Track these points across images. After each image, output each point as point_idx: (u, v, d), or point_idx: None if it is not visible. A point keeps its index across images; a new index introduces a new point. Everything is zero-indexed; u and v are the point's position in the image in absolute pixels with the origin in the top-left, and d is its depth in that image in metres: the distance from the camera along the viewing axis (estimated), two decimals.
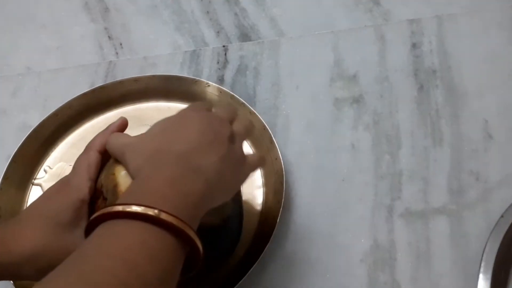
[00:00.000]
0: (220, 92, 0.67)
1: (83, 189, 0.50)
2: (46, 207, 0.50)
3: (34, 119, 0.70)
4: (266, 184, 0.63)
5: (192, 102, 0.68)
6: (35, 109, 0.71)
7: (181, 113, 0.49)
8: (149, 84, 0.69)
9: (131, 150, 0.47)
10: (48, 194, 0.51)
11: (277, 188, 0.61)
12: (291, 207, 0.62)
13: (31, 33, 0.78)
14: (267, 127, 0.63)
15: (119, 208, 0.38)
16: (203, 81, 0.68)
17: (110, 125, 0.54)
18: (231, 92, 0.66)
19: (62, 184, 0.51)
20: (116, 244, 0.37)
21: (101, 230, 0.39)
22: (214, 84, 0.68)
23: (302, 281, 0.59)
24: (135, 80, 0.69)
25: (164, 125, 0.48)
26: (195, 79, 0.68)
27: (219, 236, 0.52)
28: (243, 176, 0.50)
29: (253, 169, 0.51)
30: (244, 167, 0.49)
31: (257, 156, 0.56)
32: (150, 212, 0.38)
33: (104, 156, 0.52)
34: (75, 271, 0.35)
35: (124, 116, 0.54)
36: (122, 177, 0.49)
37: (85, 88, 0.68)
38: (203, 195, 0.43)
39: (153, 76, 0.69)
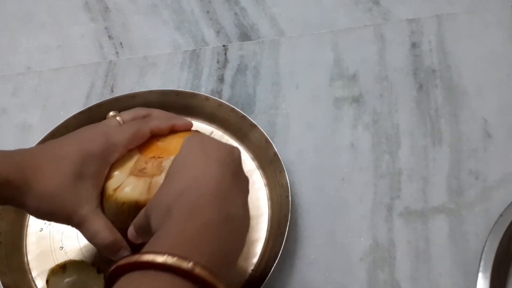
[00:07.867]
0: (220, 105, 0.65)
1: (115, 153, 0.48)
2: (77, 150, 0.48)
3: (34, 118, 0.70)
4: (271, 197, 0.62)
5: (191, 116, 0.65)
6: (35, 108, 0.71)
7: (198, 139, 0.46)
8: (146, 100, 0.66)
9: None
10: (84, 136, 0.50)
11: (283, 201, 0.60)
12: (291, 206, 0.62)
13: (31, 33, 0.78)
14: (269, 138, 0.62)
15: (149, 258, 0.35)
16: (201, 95, 0.66)
17: (176, 118, 0.51)
18: (231, 106, 0.65)
19: (101, 133, 0.49)
20: None
21: (127, 284, 0.36)
22: (213, 97, 0.66)
23: (302, 280, 0.59)
24: (132, 96, 0.66)
25: (188, 156, 0.44)
26: (193, 93, 0.66)
27: None
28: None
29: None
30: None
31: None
32: (184, 265, 0.35)
33: (150, 138, 0.50)
34: None
35: None
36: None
37: (85, 88, 0.68)
38: (236, 246, 0.41)
39: (151, 91, 0.66)
